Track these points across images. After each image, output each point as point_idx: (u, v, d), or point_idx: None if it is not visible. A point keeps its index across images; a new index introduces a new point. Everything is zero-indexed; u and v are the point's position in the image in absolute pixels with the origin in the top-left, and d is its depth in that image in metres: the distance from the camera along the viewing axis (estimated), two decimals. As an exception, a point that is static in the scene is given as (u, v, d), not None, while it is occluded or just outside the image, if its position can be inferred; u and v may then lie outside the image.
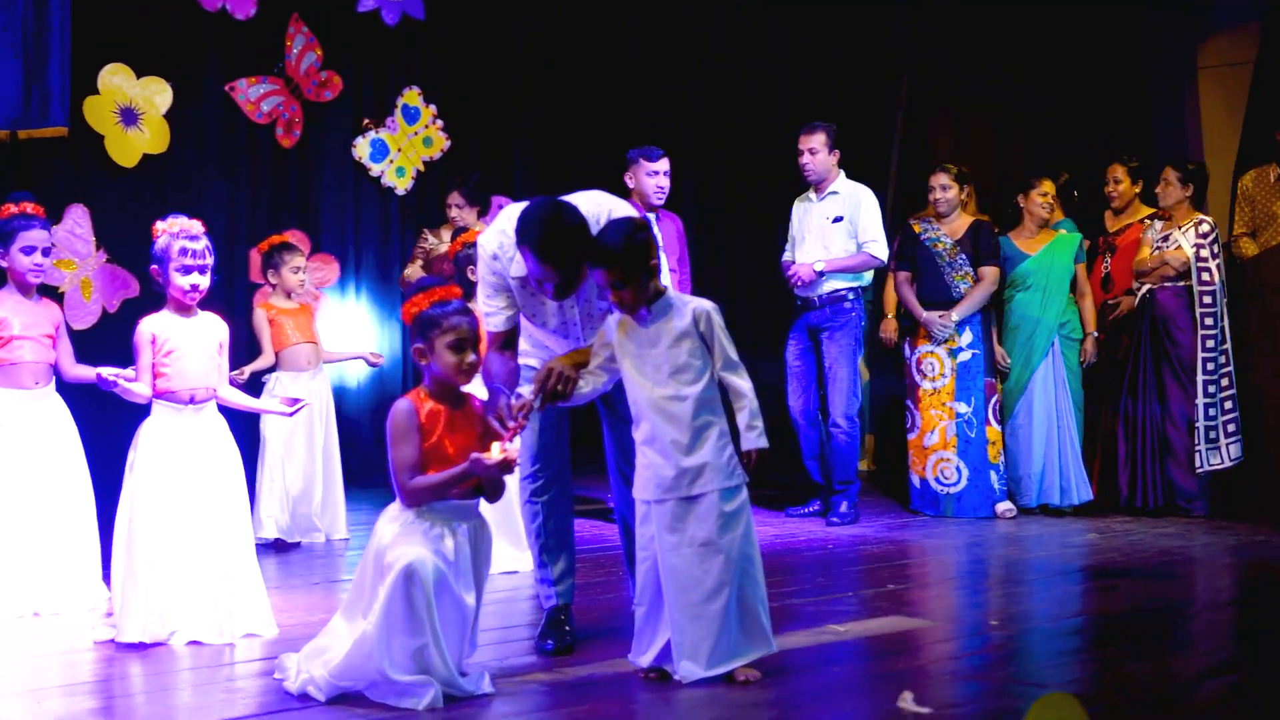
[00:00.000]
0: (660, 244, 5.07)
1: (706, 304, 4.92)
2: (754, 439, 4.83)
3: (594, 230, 4.93)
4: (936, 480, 8.98)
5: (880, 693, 4.63)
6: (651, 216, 8.42)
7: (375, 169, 10.99)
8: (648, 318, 4.86)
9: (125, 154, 9.83)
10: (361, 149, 10.95)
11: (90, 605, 6.06)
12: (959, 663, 5.12)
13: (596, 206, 5.08)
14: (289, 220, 10.51)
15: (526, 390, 5.00)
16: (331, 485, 8.06)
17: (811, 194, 8.96)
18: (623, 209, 5.14)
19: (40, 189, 9.39)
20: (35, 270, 6.17)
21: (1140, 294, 9.12)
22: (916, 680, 4.80)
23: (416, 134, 11.14)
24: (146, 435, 5.54)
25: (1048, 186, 9.33)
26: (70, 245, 9.58)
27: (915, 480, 9.11)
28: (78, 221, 9.62)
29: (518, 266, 5.09)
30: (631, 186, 8.54)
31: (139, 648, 5.32)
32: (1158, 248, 9.04)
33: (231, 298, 9.64)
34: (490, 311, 5.22)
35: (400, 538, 4.57)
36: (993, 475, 8.92)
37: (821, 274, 8.69)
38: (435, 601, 4.48)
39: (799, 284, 8.73)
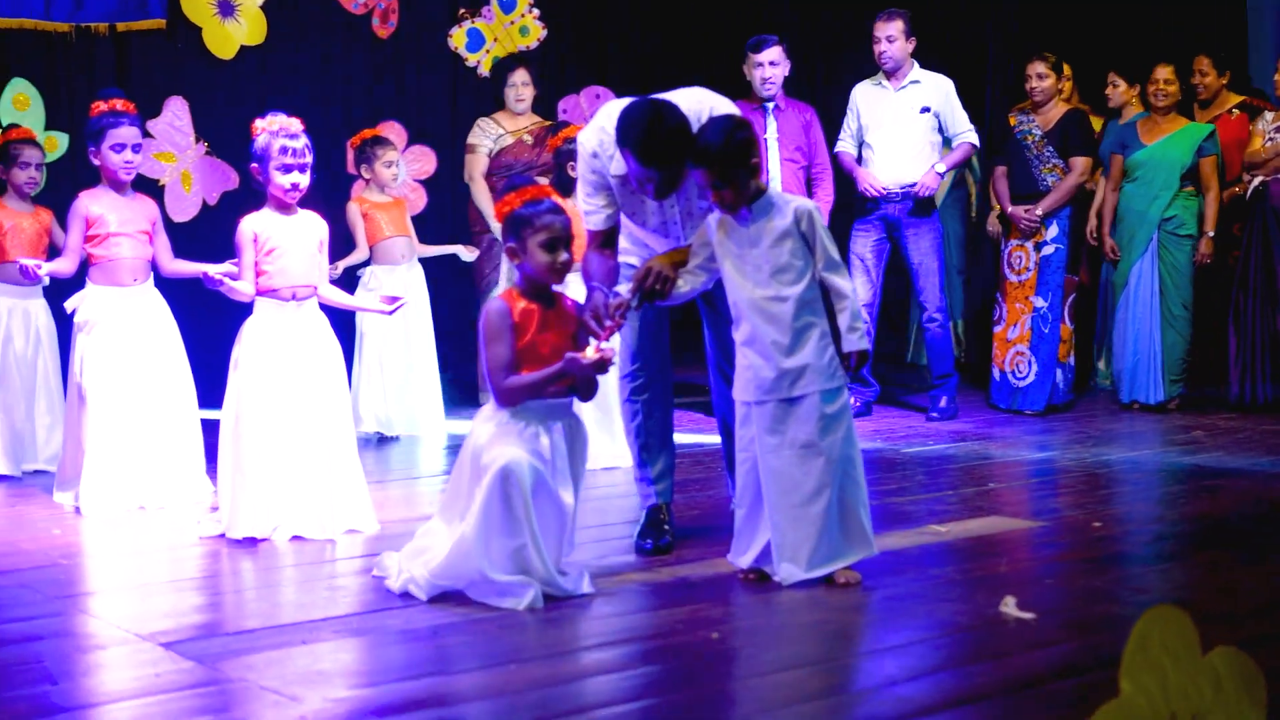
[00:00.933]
0: (762, 141, 4.98)
1: (809, 203, 4.85)
2: (855, 341, 4.77)
3: (694, 129, 4.86)
4: (1012, 374, 8.85)
5: (982, 596, 4.60)
6: (770, 107, 8.32)
7: (471, 59, 10.90)
8: (748, 217, 4.80)
9: (223, 46, 9.84)
10: (457, 38, 10.86)
11: (194, 499, 6.14)
12: (1061, 566, 5.07)
13: (697, 104, 5.00)
14: (385, 112, 10.47)
15: (624, 289, 4.97)
16: (427, 379, 8.09)
17: (885, 82, 8.68)
18: (724, 106, 5.06)
19: (138, 82, 9.47)
20: (126, 167, 6.20)
21: (1252, 186, 8.88)
22: (1019, 584, 4.77)
23: (513, 23, 11.02)
24: (250, 333, 5.58)
25: (1163, 72, 9.02)
26: (170, 138, 9.62)
27: (995, 373, 8.96)
28: (176, 114, 9.65)
29: (618, 165, 5.03)
30: (748, 79, 8.43)
31: (247, 543, 5.38)
32: (1271, 139, 8.78)
33: (329, 191, 9.61)
34: (590, 210, 5.18)
35: (496, 438, 4.57)
36: (1058, 374, 8.79)
37: (941, 175, 8.54)
38: (532, 502, 4.49)
39: (924, 193, 8.52)
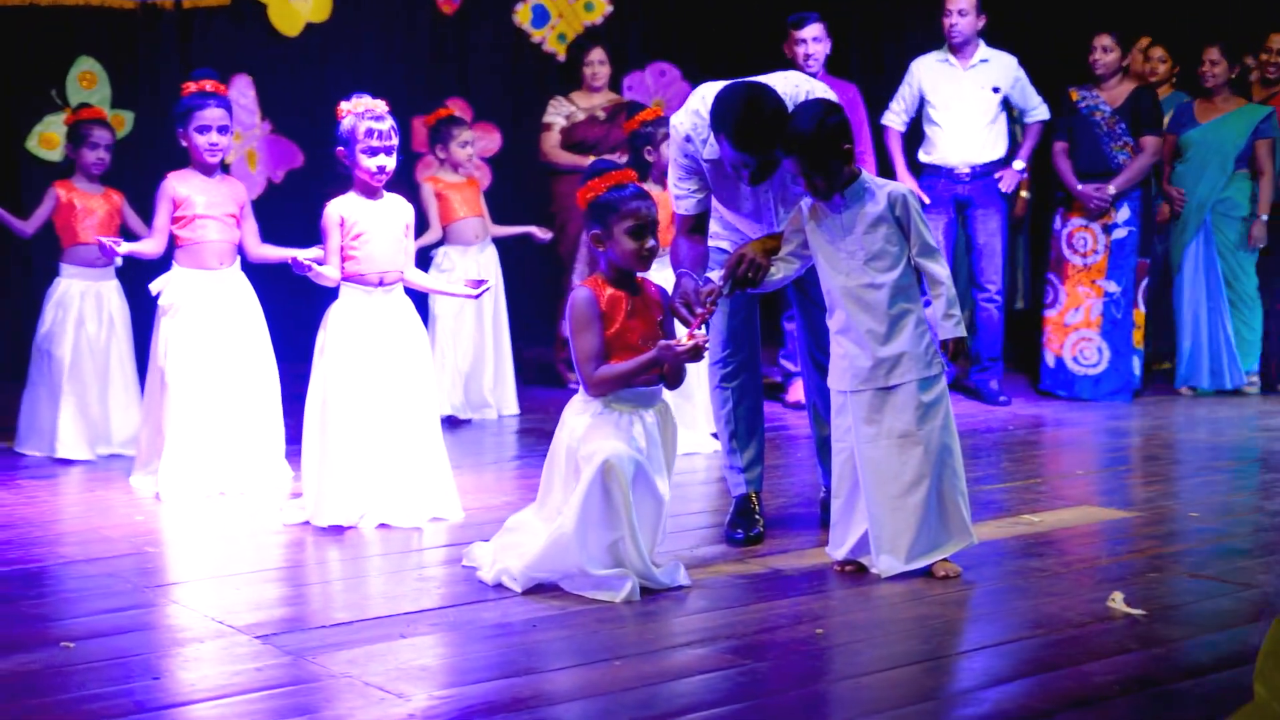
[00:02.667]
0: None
1: (902, 187, 4.74)
2: (951, 328, 4.67)
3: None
4: (1074, 360, 8.65)
5: (1086, 590, 4.51)
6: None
7: (536, 35, 10.84)
8: (841, 204, 4.70)
9: (288, 22, 9.80)
10: (523, 14, 10.80)
11: (274, 485, 6.08)
12: (1163, 559, 4.96)
13: (793, 88, 4.90)
14: (449, 89, 10.42)
15: (716, 276, 4.88)
16: (502, 361, 8.03)
17: (952, 59, 8.50)
18: (821, 90, 4.96)
19: (203, 59, 9.43)
20: (211, 149, 6.13)
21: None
22: (1123, 577, 4.67)
23: (577, -1, 10.96)
24: (336, 318, 5.50)
25: (1212, 52, 8.79)
26: (234, 116, 9.55)
27: (1049, 358, 8.75)
28: (242, 91, 9.63)
29: (711, 149, 4.94)
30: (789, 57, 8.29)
31: (333, 531, 5.33)
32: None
33: (401, 168, 9.53)
34: (681, 194, 5.08)
35: (593, 430, 4.50)
36: (1135, 360, 8.60)
37: (1022, 171, 8.46)
38: (632, 495, 4.41)
39: (1008, 189, 8.40)
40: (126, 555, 5.05)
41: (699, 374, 5.95)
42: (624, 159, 7.33)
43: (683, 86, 11.15)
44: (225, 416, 6.07)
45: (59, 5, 9.07)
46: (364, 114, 5.48)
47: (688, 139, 5.00)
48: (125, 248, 6.09)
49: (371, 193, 5.54)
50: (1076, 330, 8.60)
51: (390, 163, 5.49)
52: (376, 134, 5.45)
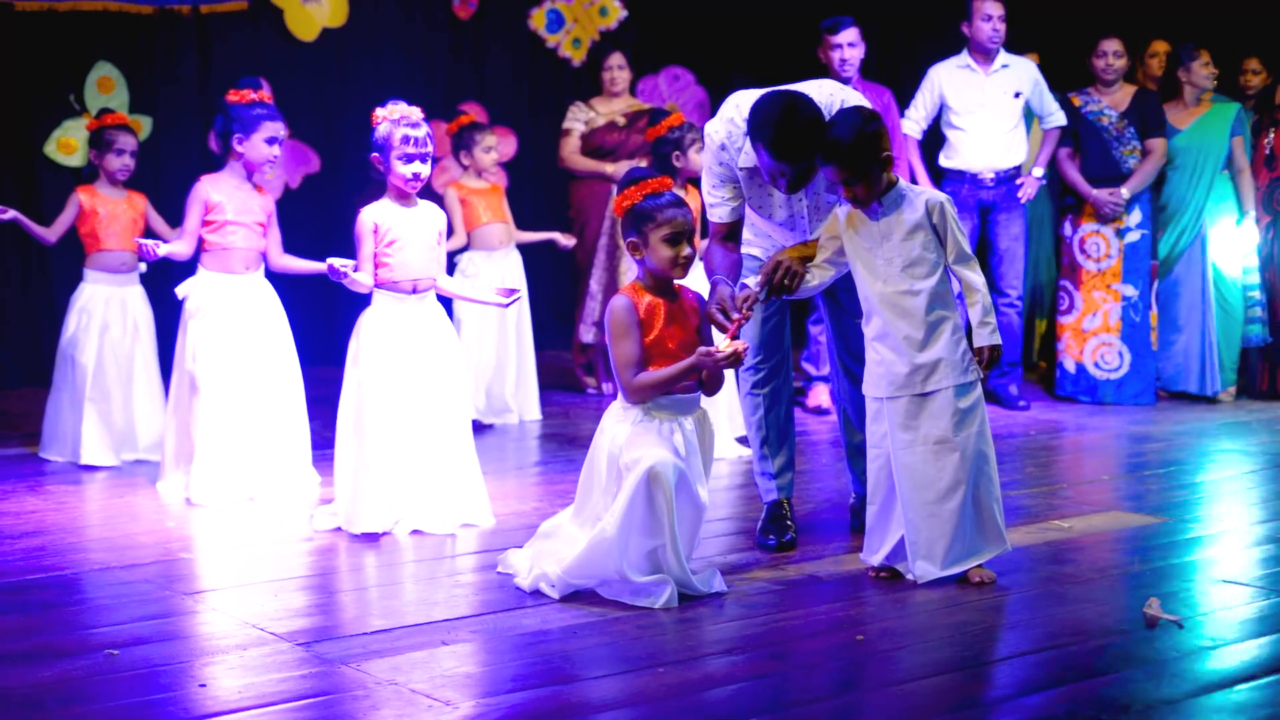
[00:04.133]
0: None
1: (940, 195, 4.76)
2: (987, 335, 4.69)
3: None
4: (1096, 365, 8.64)
5: (1122, 595, 4.53)
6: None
7: (551, 40, 10.85)
8: (879, 211, 4.71)
9: (304, 27, 9.81)
10: (538, 19, 10.81)
11: (304, 491, 6.08)
12: (1196, 564, 4.98)
13: (827, 96, 4.91)
14: (465, 93, 10.43)
15: (752, 282, 4.89)
16: (524, 366, 8.02)
17: (972, 63, 8.46)
18: (854, 98, 4.97)
19: (220, 63, 9.46)
20: (273, 161, 6.20)
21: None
22: (1158, 583, 4.68)
23: (592, 3, 10.96)
24: (369, 325, 5.50)
25: (1202, 56, 8.80)
26: (251, 121, 9.57)
27: (1069, 364, 8.73)
28: (257, 96, 9.60)
29: (746, 157, 4.95)
30: (824, 62, 8.29)
31: (367, 538, 5.33)
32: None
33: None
34: (715, 202, 5.09)
35: (635, 438, 4.51)
36: (1154, 362, 8.64)
37: (1042, 178, 8.50)
38: (675, 502, 4.42)
39: (1027, 198, 8.41)
40: (160, 561, 5.05)
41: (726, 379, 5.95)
42: (644, 165, 7.34)
43: (696, 91, 11.18)
44: (254, 421, 6.07)
45: (76, 10, 9.07)
46: (400, 121, 5.47)
47: (722, 147, 5.01)
48: (164, 249, 6.10)
49: (405, 200, 5.54)
50: (1096, 335, 8.60)
51: (426, 170, 5.49)
52: (413, 141, 5.45)
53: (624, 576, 4.43)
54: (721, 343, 4.50)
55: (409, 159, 5.45)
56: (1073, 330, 8.70)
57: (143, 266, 6.65)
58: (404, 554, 5.17)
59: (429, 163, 5.51)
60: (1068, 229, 8.72)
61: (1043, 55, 9.28)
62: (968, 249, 4.73)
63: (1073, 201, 8.71)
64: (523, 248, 8.23)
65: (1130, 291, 8.54)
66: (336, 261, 5.42)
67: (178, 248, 6.15)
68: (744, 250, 5.22)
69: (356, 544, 5.28)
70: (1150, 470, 6.72)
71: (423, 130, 5.48)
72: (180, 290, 6.12)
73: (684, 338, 4.60)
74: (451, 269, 7.93)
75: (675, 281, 4.65)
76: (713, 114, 5.16)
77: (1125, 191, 8.42)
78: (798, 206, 5.07)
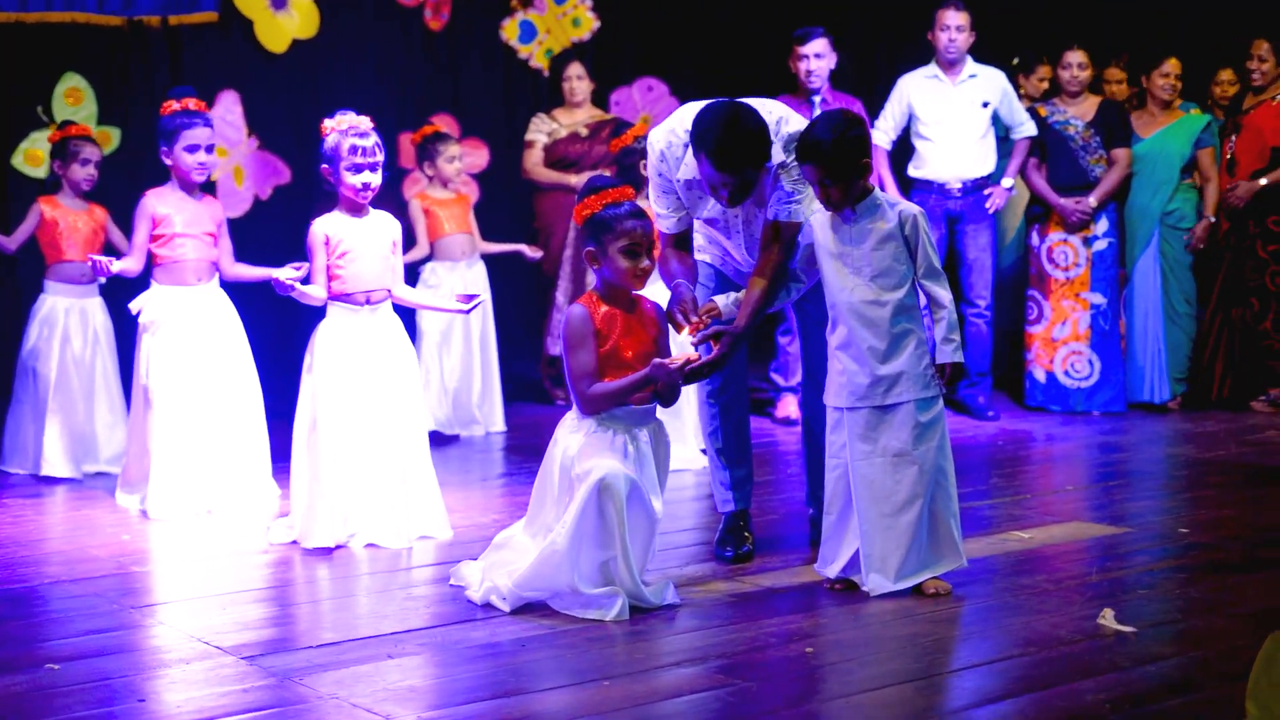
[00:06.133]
0: None
1: (913, 207, 4.75)
2: (950, 353, 4.68)
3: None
4: (1066, 374, 8.60)
5: (1077, 607, 4.50)
6: (817, 100, 8.16)
7: (523, 50, 10.78)
8: (852, 217, 4.69)
9: (275, 39, 9.75)
10: (510, 30, 10.75)
11: (260, 504, 6.03)
12: (1154, 575, 4.96)
13: (767, 114, 4.88)
14: (437, 105, 10.38)
15: (722, 299, 4.85)
16: (489, 378, 7.98)
17: (941, 74, 8.43)
18: (796, 121, 4.92)
19: (191, 75, 9.38)
20: (200, 169, 6.10)
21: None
22: (1114, 594, 4.66)
23: (565, 14, 10.90)
24: (323, 338, 5.46)
25: (1172, 65, 8.79)
26: (221, 132, 9.49)
27: (1039, 374, 8.68)
28: (229, 108, 9.57)
29: (686, 169, 4.91)
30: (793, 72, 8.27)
31: (321, 551, 5.29)
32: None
33: (389, 184, 9.49)
34: (660, 213, 5.07)
35: (588, 449, 4.48)
36: (1124, 370, 8.62)
37: (1011, 189, 8.49)
38: (627, 514, 4.39)
39: (994, 209, 8.43)
40: (112, 575, 5.01)
41: (688, 390, 5.92)
42: (608, 175, 7.32)
43: (670, 102, 11.13)
44: (210, 434, 6.03)
45: (45, 21, 9.01)
46: (348, 131, 5.45)
47: (662, 157, 4.98)
48: (116, 266, 6.06)
49: (357, 210, 5.51)
50: (1066, 344, 8.57)
51: (375, 179, 5.46)
52: (360, 150, 5.42)
53: (575, 589, 4.40)
54: (684, 342, 4.49)
55: (358, 169, 5.42)
56: (1042, 340, 8.66)
57: (101, 279, 6.60)
58: (358, 567, 5.14)
59: (379, 172, 5.48)
60: (1035, 238, 8.69)
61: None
62: (937, 264, 4.72)
63: (1040, 211, 8.68)
64: (491, 259, 8.20)
65: (1099, 300, 8.52)
66: (281, 275, 5.38)
67: (125, 265, 6.11)
68: (697, 255, 5.20)
69: (310, 557, 5.24)
70: (1114, 481, 6.70)
71: (371, 140, 5.45)
72: (134, 305, 6.09)
73: (641, 349, 4.57)
74: (415, 280, 7.90)
75: (634, 292, 4.64)
76: None
77: (1092, 200, 8.40)
78: (732, 218, 5.05)
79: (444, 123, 10.12)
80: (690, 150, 4.83)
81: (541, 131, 8.70)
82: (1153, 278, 8.70)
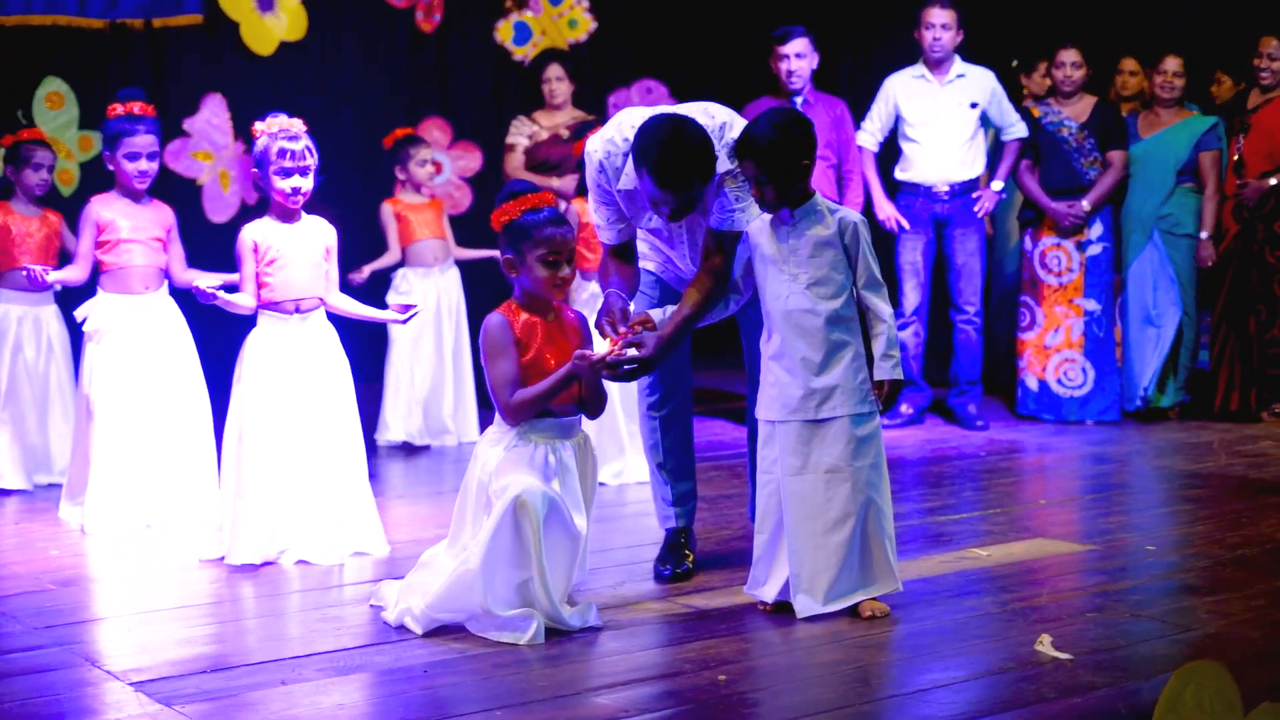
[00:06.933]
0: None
1: (855, 215, 4.53)
2: (889, 369, 4.46)
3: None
4: (1059, 382, 8.36)
5: (1018, 632, 4.29)
6: (799, 102, 7.95)
7: (518, 53, 10.62)
8: (789, 220, 4.48)
9: (262, 41, 9.64)
10: (504, 32, 10.59)
11: (205, 518, 5.86)
12: (1106, 597, 4.72)
13: (709, 119, 4.68)
14: (429, 108, 10.25)
15: (657, 313, 4.65)
16: (462, 387, 7.81)
17: (928, 75, 8.20)
18: (738, 125, 4.71)
19: (175, 78, 9.30)
20: (140, 177, 5.95)
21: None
22: (1059, 618, 4.44)
23: (561, 15, 10.74)
24: (252, 347, 5.31)
25: (1172, 64, 8.54)
26: (208, 136, 9.44)
27: (1031, 382, 8.44)
28: (215, 111, 9.48)
29: (626, 179, 4.72)
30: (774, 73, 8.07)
31: (248, 569, 5.12)
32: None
33: (377, 188, 9.34)
34: (600, 223, 4.89)
35: (506, 464, 4.31)
36: (1119, 379, 8.37)
37: (1000, 192, 8.26)
38: (544, 533, 4.21)
39: (984, 213, 8.21)
40: (27, 592, 4.86)
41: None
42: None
43: (670, 103, 10.94)
44: (153, 446, 5.87)
45: (25, 25, 8.92)
46: (278, 134, 5.29)
47: (600, 168, 4.78)
48: (53, 276, 5.93)
49: (287, 215, 5.34)
50: (1059, 352, 8.32)
51: (306, 184, 5.30)
52: (289, 154, 5.25)
53: (487, 610, 4.22)
54: (601, 347, 4.32)
55: (287, 173, 5.27)
56: (1034, 347, 8.41)
57: (58, 286, 6.46)
58: (282, 585, 4.97)
59: (310, 176, 5.31)
60: (1028, 243, 8.44)
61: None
62: (878, 276, 4.50)
63: (1032, 215, 8.43)
64: (466, 265, 8.03)
65: (1093, 306, 8.27)
66: (201, 283, 5.21)
67: (69, 273, 5.99)
68: (641, 263, 5.01)
69: (236, 575, 5.08)
70: (1091, 494, 6.48)
71: (301, 143, 5.29)
72: (79, 313, 5.95)
73: (565, 358, 4.38)
74: (387, 285, 7.75)
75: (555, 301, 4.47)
76: None
77: (1086, 204, 8.15)
78: (675, 231, 4.87)
79: (435, 126, 10.01)
80: (630, 161, 4.64)
81: (522, 134, 8.50)
82: (1149, 283, 8.41)
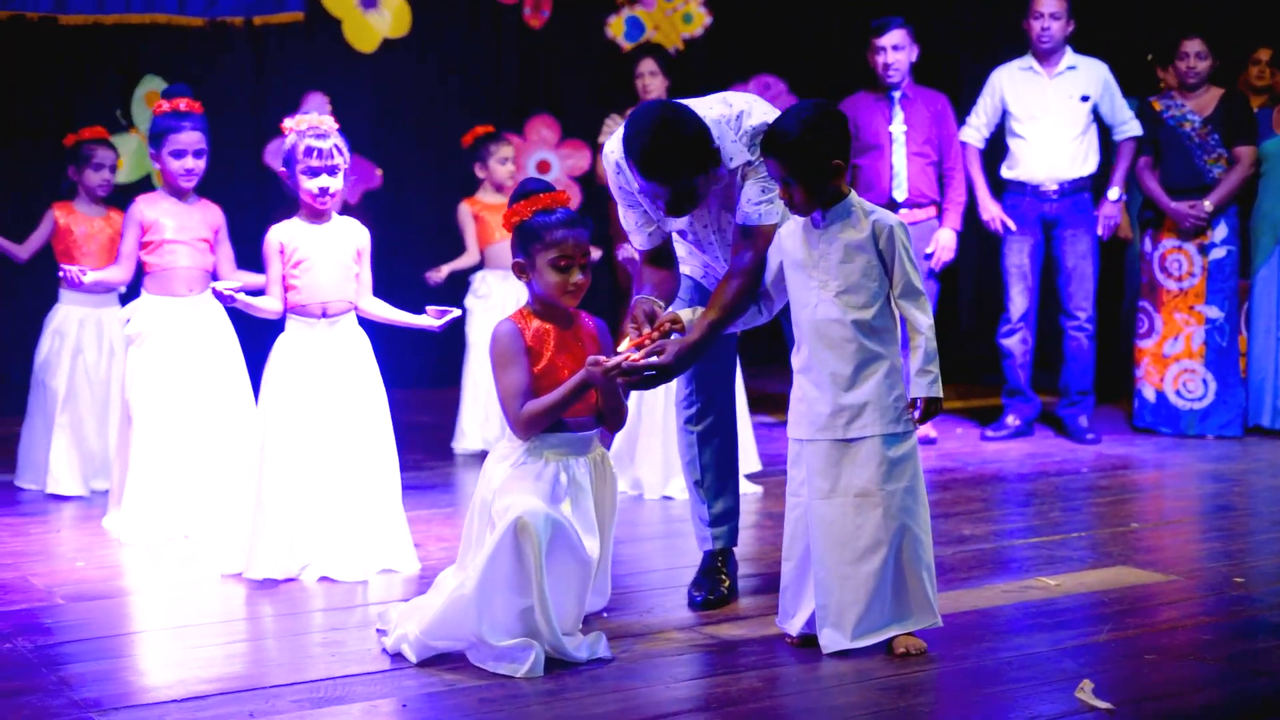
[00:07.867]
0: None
1: (891, 218, 4.15)
2: (926, 386, 4.08)
3: (717, 139, 4.26)
4: (1178, 394, 7.87)
5: (1065, 674, 3.89)
6: (896, 96, 7.58)
7: (630, 49, 10.33)
8: (821, 223, 4.13)
9: (364, 39, 9.51)
10: (615, 27, 10.33)
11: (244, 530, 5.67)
12: (1175, 635, 4.30)
13: (726, 108, 4.35)
14: (536, 105, 10.03)
15: (687, 313, 4.33)
16: (541, 393, 7.56)
17: (1037, 67, 7.78)
18: (762, 111, 4.37)
19: (277, 76, 9.18)
20: (186, 175, 5.80)
21: None
22: (1113, 659, 4.04)
23: (675, 9, 10.45)
24: (278, 353, 5.10)
25: (1262, 54, 8.04)
26: (310, 135, 9.29)
27: (1148, 393, 7.97)
28: (317, 109, 9.30)
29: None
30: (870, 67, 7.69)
31: (267, 584, 4.91)
32: None
33: (471, 189, 9.15)
34: (628, 228, 4.58)
35: (511, 482, 4.03)
36: (1243, 391, 7.87)
37: (1121, 199, 7.81)
38: (548, 558, 3.93)
39: (1107, 231, 7.77)
40: (36, 606, 4.68)
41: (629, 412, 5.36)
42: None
43: (789, 100, 10.60)
44: (194, 454, 5.70)
45: (124, 23, 8.87)
46: (306, 131, 5.07)
47: (618, 169, 4.47)
48: (91, 276, 5.78)
49: (316, 216, 5.12)
50: (1178, 361, 7.83)
51: (334, 184, 5.07)
52: (316, 153, 5.03)
53: (483, 639, 3.93)
54: (620, 348, 4.05)
55: (314, 173, 5.04)
56: (1152, 356, 7.94)
57: (122, 286, 6.33)
58: (299, 604, 4.73)
59: (338, 176, 5.09)
60: (1147, 245, 7.96)
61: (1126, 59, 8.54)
62: (918, 284, 4.12)
63: (1152, 215, 7.94)
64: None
65: (1215, 313, 7.77)
66: (221, 285, 5.00)
67: (110, 274, 5.85)
68: (682, 269, 4.70)
69: (255, 591, 4.86)
70: (1194, 517, 6.02)
71: (329, 142, 5.07)
72: (121, 315, 5.80)
73: (579, 367, 4.09)
74: (465, 288, 7.53)
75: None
76: None
77: (1208, 204, 7.64)
78: (703, 233, 4.55)
79: (543, 124, 9.80)
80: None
81: (610, 134, 8.21)
82: (1276, 290, 7.88)
